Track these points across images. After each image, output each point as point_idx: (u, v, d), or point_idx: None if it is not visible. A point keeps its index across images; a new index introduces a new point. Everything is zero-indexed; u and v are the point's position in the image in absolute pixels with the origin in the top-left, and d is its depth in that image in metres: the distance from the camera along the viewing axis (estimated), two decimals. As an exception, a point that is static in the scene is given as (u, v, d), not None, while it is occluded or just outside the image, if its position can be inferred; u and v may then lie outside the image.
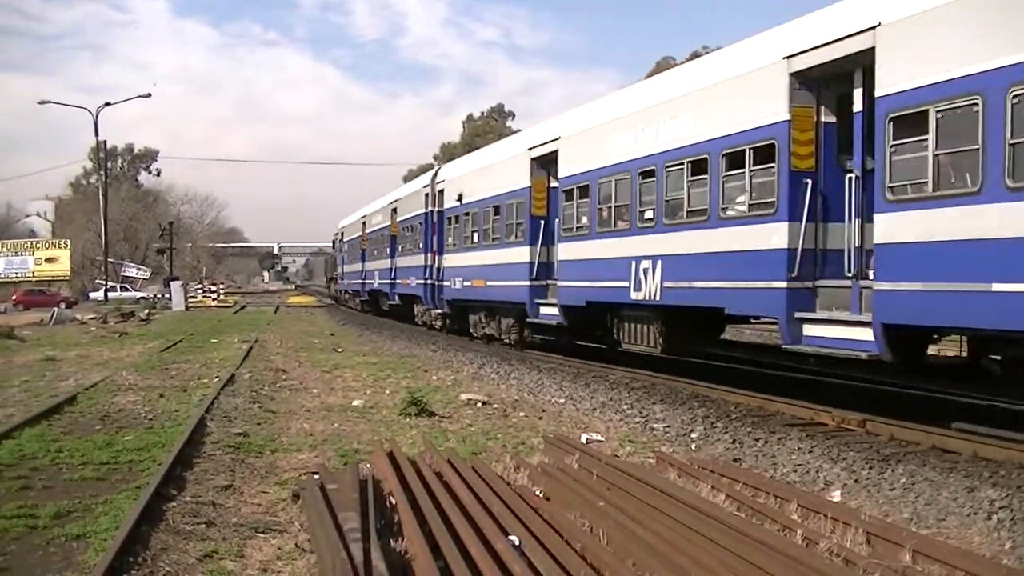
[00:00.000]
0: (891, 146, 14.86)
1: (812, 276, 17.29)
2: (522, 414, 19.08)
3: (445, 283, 41.06)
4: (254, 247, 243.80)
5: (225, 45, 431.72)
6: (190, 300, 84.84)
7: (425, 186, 45.54)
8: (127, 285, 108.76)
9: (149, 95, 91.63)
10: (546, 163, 30.42)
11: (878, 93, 15.19)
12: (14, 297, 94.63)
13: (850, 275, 16.49)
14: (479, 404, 20.10)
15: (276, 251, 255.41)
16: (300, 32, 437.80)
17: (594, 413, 19.26)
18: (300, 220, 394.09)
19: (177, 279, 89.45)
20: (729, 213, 19.21)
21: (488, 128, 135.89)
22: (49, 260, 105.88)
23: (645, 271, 22.28)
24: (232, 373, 25.29)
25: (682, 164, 20.76)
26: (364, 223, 64.97)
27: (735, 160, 18.91)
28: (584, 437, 16.14)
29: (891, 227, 14.83)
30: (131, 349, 35.82)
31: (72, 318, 59.50)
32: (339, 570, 8.00)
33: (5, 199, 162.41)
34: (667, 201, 21.55)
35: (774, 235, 17.57)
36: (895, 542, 9.26)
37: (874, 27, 15.22)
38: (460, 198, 38.97)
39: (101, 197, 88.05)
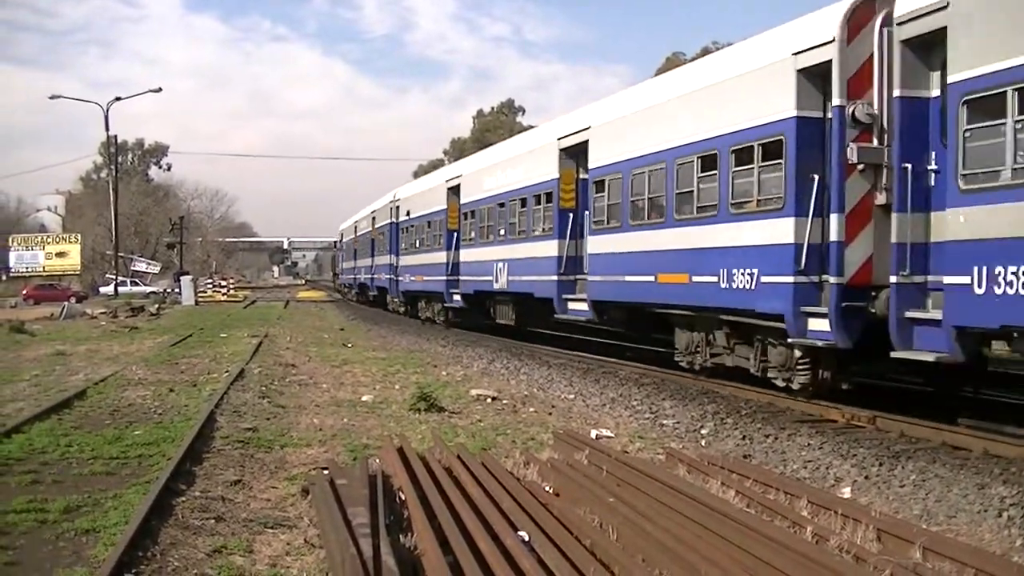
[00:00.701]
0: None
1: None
2: (532, 410, 19.08)
3: (400, 278, 54.41)
4: (264, 242, 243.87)
5: (235, 40, 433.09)
6: (200, 295, 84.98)
7: (391, 201, 57.33)
8: (137, 280, 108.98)
9: (160, 90, 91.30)
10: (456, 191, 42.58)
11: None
12: (24, 292, 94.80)
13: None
14: (489, 400, 20.11)
15: (286, 246, 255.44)
16: (310, 27, 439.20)
17: (604, 409, 19.26)
18: (310, 215, 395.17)
19: (187, 274, 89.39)
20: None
21: (498, 123, 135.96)
22: (59, 255, 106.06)
23: None
24: (242, 368, 25.33)
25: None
26: (356, 227, 77.91)
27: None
28: (594, 433, 16.11)
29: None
30: (141, 344, 35.88)
31: (82, 312, 59.57)
32: (348, 565, 8.00)
33: (16, 194, 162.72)
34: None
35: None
36: (905, 539, 9.23)
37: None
38: (408, 213, 52.60)
39: (111, 192, 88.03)
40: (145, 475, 12.80)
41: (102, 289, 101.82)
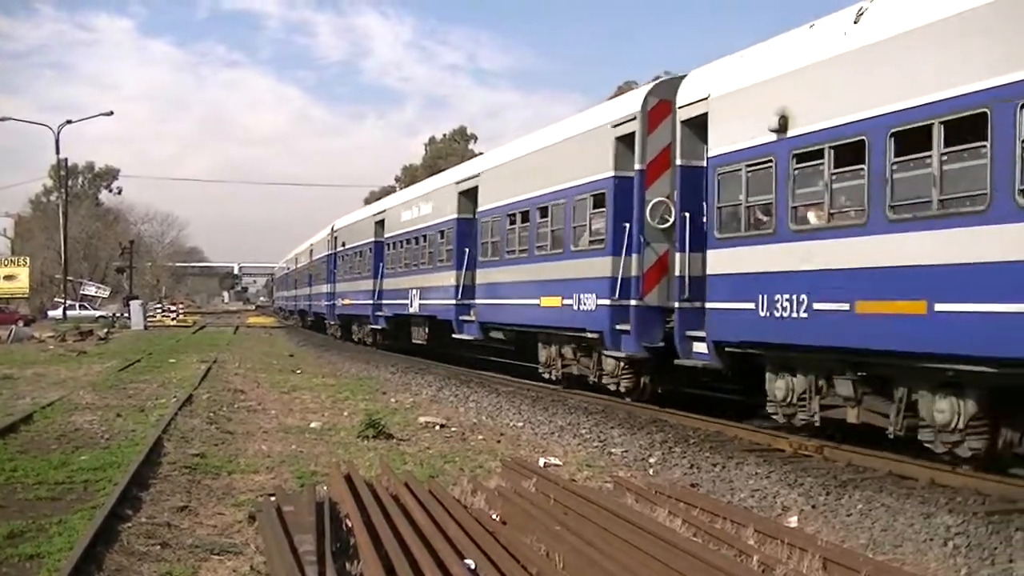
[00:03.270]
0: None
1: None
2: (480, 437, 19.08)
3: (336, 303, 61.10)
4: (214, 267, 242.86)
5: (189, 64, 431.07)
6: (149, 319, 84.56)
7: (330, 232, 64.18)
8: (86, 304, 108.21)
9: (111, 113, 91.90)
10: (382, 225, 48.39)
11: None
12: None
13: None
14: (437, 427, 20.09)
15: (236, 271, 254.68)
16: (264, 53, 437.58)
17: (552, 437, 19.29)
18: (261, 240, 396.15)
19: (136, 298, 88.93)
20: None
21: (450, 150, 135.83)
22: (8, 278, 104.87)
23: None
24: (190, 393, 25.14)
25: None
26: (296, 258, 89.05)
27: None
28: (542, 461, 16.14)
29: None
30: (89, 368, 35.60)
31: (30, 336, 59.09)
32: (294, 593, 7.98)
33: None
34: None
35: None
36: (851, 568, 9.29)
37: None
38: (343, 244, 59.55)
39: (61, 215, 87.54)
40: (91, 500, 12.71)
41: (51, 313, 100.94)
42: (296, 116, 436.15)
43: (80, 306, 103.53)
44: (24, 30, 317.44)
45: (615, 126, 23.07)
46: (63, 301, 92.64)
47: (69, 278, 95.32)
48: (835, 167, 15.62)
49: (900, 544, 11.37)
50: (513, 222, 29.22)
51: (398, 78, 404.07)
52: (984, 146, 12.87)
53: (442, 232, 37.34)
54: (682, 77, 21.36)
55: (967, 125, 13.17)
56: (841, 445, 16.55)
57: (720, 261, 18.74)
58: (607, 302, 22.66)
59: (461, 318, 34.20)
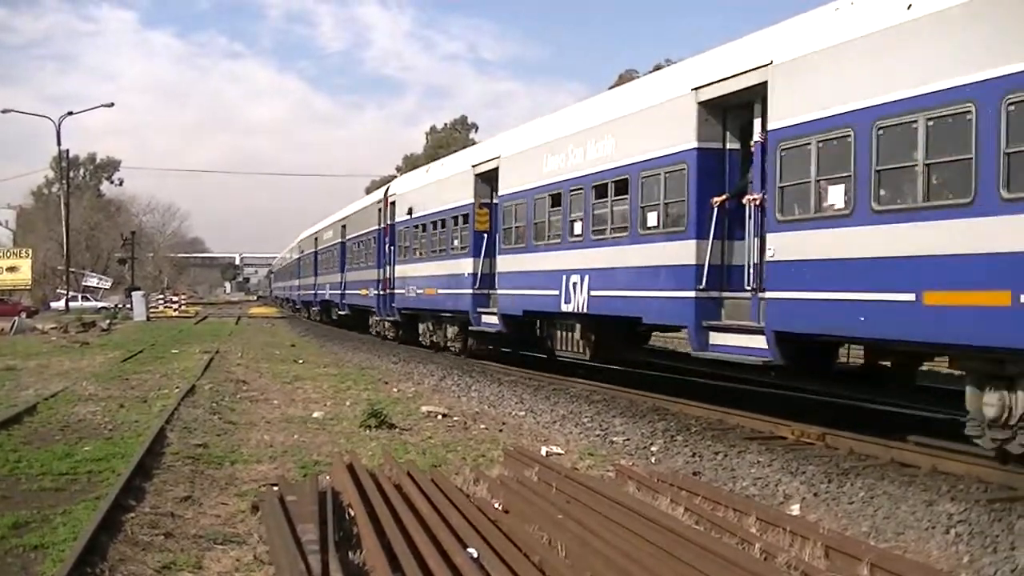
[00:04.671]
0: None
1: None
2: (482, 427, 19.10)
3: (309, 291, 72.89)
4: (216, 258, 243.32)
5: (190, 55, 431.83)
6: (151, 310, 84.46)
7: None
8: (88, 295, 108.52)
9: (112, 104, 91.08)
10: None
11: None
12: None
13: None
14: (439, 416, 20.10)
15: (238, 262, 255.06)
16: (265, 43, 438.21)
17: (554, 426, 19.29)
18: (263, 231, 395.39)
19: (139, 289, 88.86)
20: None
21: (451, 139, 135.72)
22: (10, 269, 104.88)
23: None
24: (193, 384, 25.17)
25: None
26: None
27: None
28: (544, 450, 16.16)
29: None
30: (92, 359, 35.62)
31: (33, 328, 59.02)
32: (297, 582, 7.99)
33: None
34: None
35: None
36: (853, 555, 9.30)
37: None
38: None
39: (63, 206, 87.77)
40: (95, 491, 12.74)
41: (53, 304, 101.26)
42: (297, 106, 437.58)
43: (82, 297, 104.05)
44: (26, 21, 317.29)
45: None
46: (65, 292, 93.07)
47: (71, 269, 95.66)
48: None
49: (902, 532, 11.37)
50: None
51: (398, 67, 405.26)
52: None
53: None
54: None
55: None
56: (843, 432, 16.53)
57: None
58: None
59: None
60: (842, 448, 16.01)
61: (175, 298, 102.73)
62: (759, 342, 17.04)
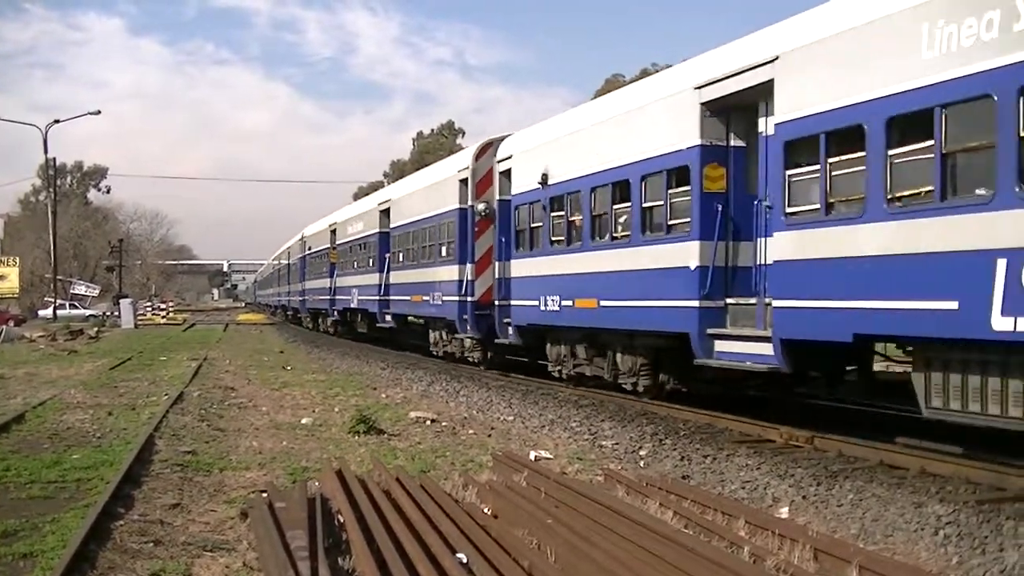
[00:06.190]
0: None
1: None
2: (471, 432, 19.09)
3: (296, 297, 76.12)
4: (204, 264, 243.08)
5: (178, 63, 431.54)
6: (139, 318, 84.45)
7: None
8: (76, 303, 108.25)
9: (98, 112, 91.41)
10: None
11: None
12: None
13: None
14: (428, 422, 20.10)
15: (226, 268, 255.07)
16: (253, 50, 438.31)
17: (543, 431, 19.29)
18: (250, 237, 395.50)
19: (126, 297, 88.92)
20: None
21: (438, 145, 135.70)
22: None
23: None
24: (181, 391, 25.14)
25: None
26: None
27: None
28: (533, 455, 16.16)
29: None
30: (80, 367, 35.58)
31: (21, 336, 58.99)
32: (286, 588, 8.00)
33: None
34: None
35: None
36: (842, 558, 9.32)
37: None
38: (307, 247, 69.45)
39: (50, 214, 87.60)
40: (83, 499, 12.75)
41: (41, 312, 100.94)
42: (284, 113, 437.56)
43: (70, 305, 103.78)
44: (13, 30, 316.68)
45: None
46: (53, 300, 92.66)
47: (59, 277, 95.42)
48: None
49: (891, 534, 11.38)
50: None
51: (386, 74, 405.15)
52: None
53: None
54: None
55: None
56: (831, 435, 16.55)
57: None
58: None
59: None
60: (831, 450, 16.02)
61: (163, 305, 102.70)
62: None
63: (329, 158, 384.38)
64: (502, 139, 29.97)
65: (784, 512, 12.38)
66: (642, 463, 15.94)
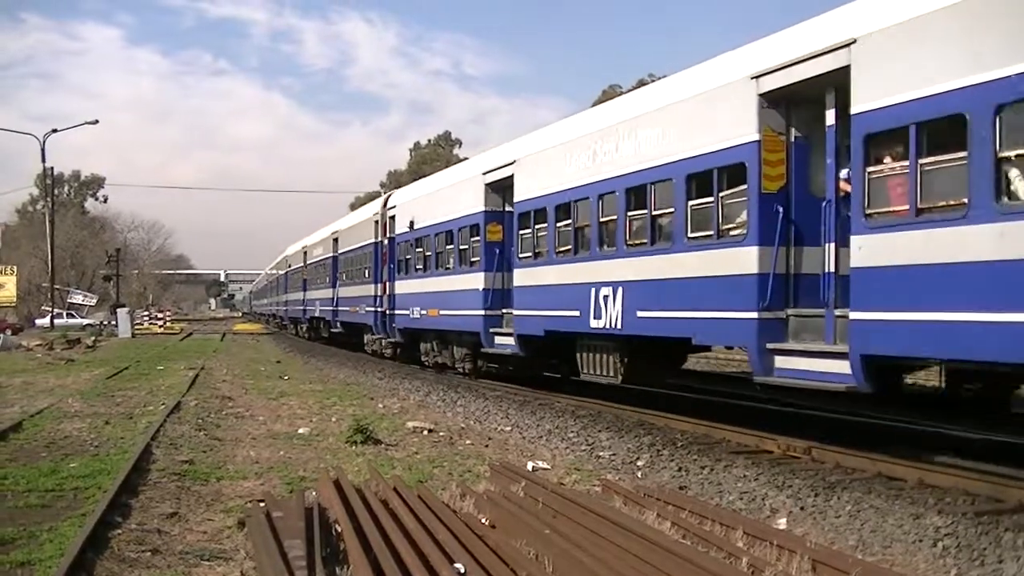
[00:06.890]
0: None
1: None
2: (468, 442, 19.08)
3: (282, 307, 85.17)
4: (201, 274, 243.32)
5: (175, 73, 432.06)
6: (136, 327, 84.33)
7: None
8: (73, 312, 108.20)
9: (96, 122, 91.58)
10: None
11: None
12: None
13: None
14: (425, 432, 20.08)
15: (223, 278, 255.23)
16: (250, 61, 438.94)
17: (540, 441, 19.29)
18: (247, 247, 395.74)
19: (124, 306, 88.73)
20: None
21: (435, 155, 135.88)
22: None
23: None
24: (178, 400, 25.14)
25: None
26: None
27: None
28: (530, 465, 16.16)
29: None
30: (77, 376, 35.51)
31: (18, 345, 58.94)
32: (284, 598, 7.98)
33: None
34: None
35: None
36: (840, 569, 9.31)
37: None
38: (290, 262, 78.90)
39: (47, 223, 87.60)
40: (81, 508, 12.72)
41: (38, 321, 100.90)
42: (282, 123, 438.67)
43: (67, 314, 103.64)
44: (9, 39, 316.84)
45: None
46: (50, 309, 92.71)
47: (56, 286, 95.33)
48: None
49: (889, 545, 11.39)
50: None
51: (383, 84, 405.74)
52: None
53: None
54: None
55: None
56: (829, 446, 16.53)
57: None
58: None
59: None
60: (828, 462, 16.01)
61: (160, 315, 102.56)
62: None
63: (326, 169, 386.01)
64: (391, 193, 43.41)
65: (782, 523, 12.37)
66: (639, 474, 15.95)
